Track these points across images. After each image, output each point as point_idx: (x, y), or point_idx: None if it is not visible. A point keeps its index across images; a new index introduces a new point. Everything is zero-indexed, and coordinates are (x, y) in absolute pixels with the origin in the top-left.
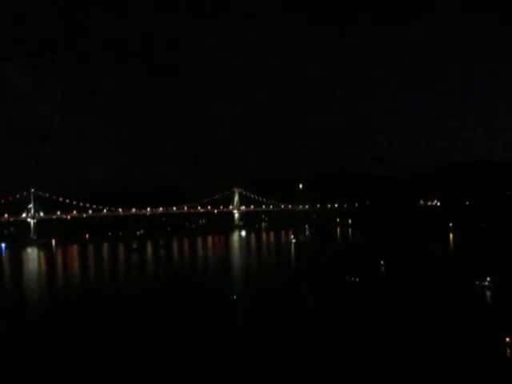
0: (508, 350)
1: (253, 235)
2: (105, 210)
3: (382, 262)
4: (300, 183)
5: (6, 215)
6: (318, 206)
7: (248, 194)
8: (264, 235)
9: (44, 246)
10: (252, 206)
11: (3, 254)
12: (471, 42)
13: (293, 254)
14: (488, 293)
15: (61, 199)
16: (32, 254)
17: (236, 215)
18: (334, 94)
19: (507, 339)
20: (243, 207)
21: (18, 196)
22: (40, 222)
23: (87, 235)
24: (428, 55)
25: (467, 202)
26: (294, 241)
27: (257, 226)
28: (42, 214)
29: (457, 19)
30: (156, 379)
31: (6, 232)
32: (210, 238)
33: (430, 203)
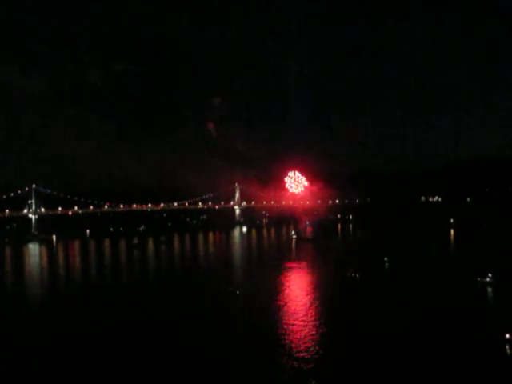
0: (508, 347)
1: (254, 231)
2: (106, 206)
3: (385, 259)
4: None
5: (7, 211)
6: (319, 202)
7: (249, 190)
8: (265, 231)
9: (45, 242)
10: (253, 202)
11: (5, 249)
12: (471, 40)
13: (294, 250)
14: (489, 289)
15: (62, 195)
16: (33, 249)
17: (237, 211)
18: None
19: (507, 335)
20: (244, 203)
21: (19, 192)
22: (41, 218)
23: (88, 231)
24: (425, 53)
25: (468, 199)
26: (294, 237)
27: (258, 222)
28: (43, 209)
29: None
30: (161, 374)
31: (7, 228)
32: (211, 234)
33: (431, 199)
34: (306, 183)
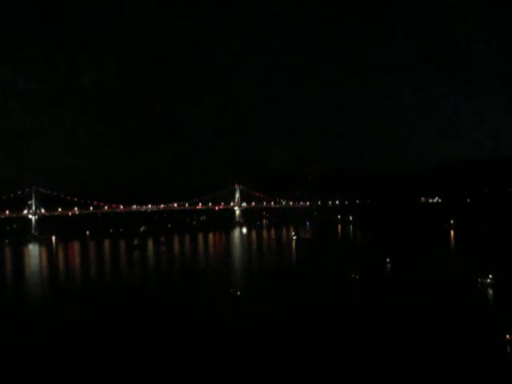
0: (508, 348)
1: (254, 232)
2: (106, 207)
3: (387, 260)
4: (301, 181)
5: (7, 212)
6: (319, 202)
7: (249, 191)
8: (265, 232)
9: (45, 243)
10: (253, 203)
11: (5, 250)
12: (471, 40)
13: (294, 250)
14: (490, 290)
15: (62, 196)
16: (33, 250)
17: (237, 212)
18: (334, 93)
19: (507, 336)
20: (244, 204)
21: (19, 193)
22: (41, 219)
23: (88, 232)
24: (426, 55)
25: (468, 200)
26: (294, 237)
27: (258, 223)
28: (43, 210)
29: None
30: (161, 377)
31: (7, 228)
32: (211, 235)
33: (431, 200)
34: None
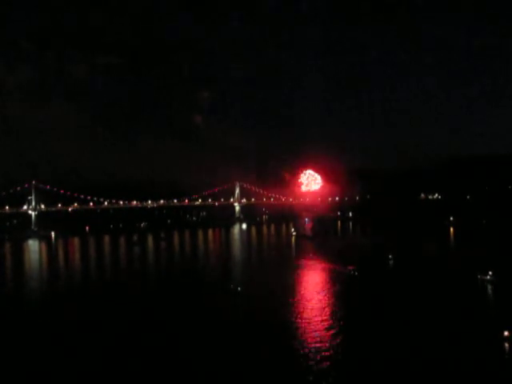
0: (507, 344)
1: (254, 228)
2: (106, 203)
3: (390, 256)
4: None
5: (6, 207)
6: (319, 199)
7: (249, 187)
8: (265, 228)
9: (45, 239)
10: (253, 199)
11: (5, 245)
12: (471, 38)
13: (293, 247)
14: (489, 287)
15: (62, 191)
16: (33, 246)
17: (237, 208)
18: (332, 90)
19: (506, 333)
20: (244, 200)
21: (18, 188)
22: (41, 215)
23: (88, 228)
24: (427, 54)
25: (468, 196)
26: (294, 234)
27: (258, 219)
28: (42, 206)
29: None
30: (165, 370)
31: (7, 224)
32: (210, 231)
33: (430, 197)
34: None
